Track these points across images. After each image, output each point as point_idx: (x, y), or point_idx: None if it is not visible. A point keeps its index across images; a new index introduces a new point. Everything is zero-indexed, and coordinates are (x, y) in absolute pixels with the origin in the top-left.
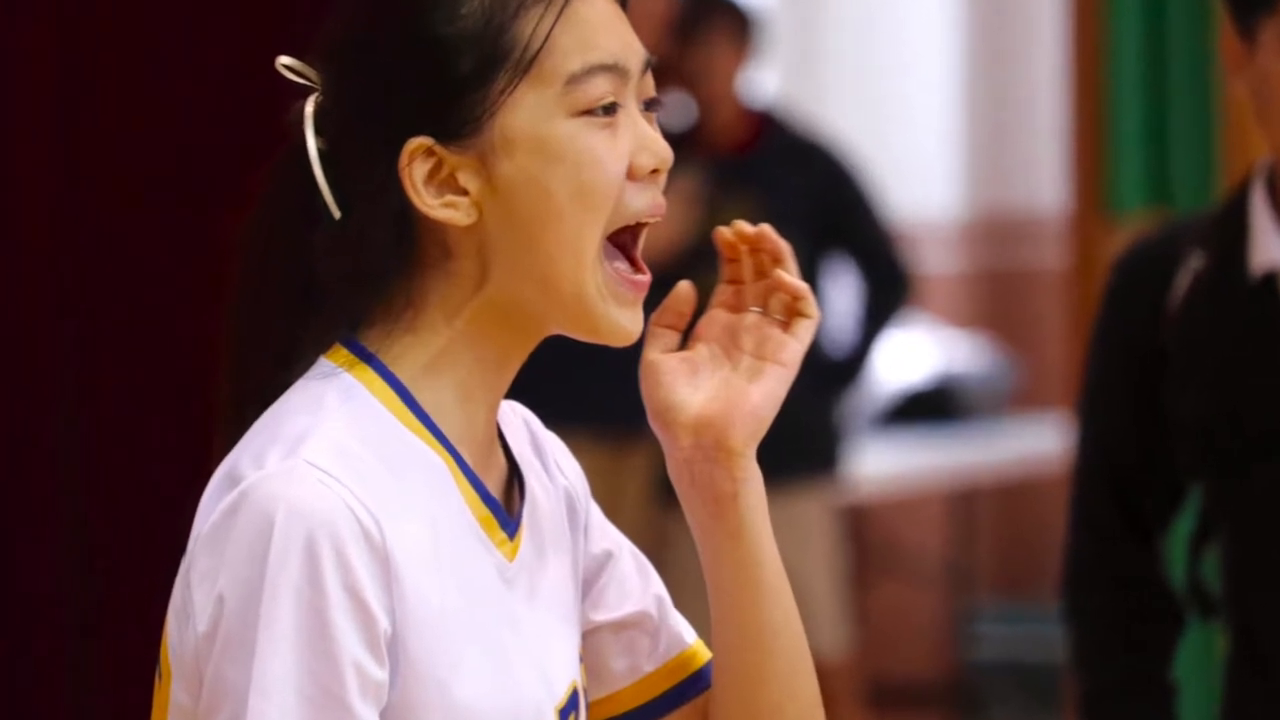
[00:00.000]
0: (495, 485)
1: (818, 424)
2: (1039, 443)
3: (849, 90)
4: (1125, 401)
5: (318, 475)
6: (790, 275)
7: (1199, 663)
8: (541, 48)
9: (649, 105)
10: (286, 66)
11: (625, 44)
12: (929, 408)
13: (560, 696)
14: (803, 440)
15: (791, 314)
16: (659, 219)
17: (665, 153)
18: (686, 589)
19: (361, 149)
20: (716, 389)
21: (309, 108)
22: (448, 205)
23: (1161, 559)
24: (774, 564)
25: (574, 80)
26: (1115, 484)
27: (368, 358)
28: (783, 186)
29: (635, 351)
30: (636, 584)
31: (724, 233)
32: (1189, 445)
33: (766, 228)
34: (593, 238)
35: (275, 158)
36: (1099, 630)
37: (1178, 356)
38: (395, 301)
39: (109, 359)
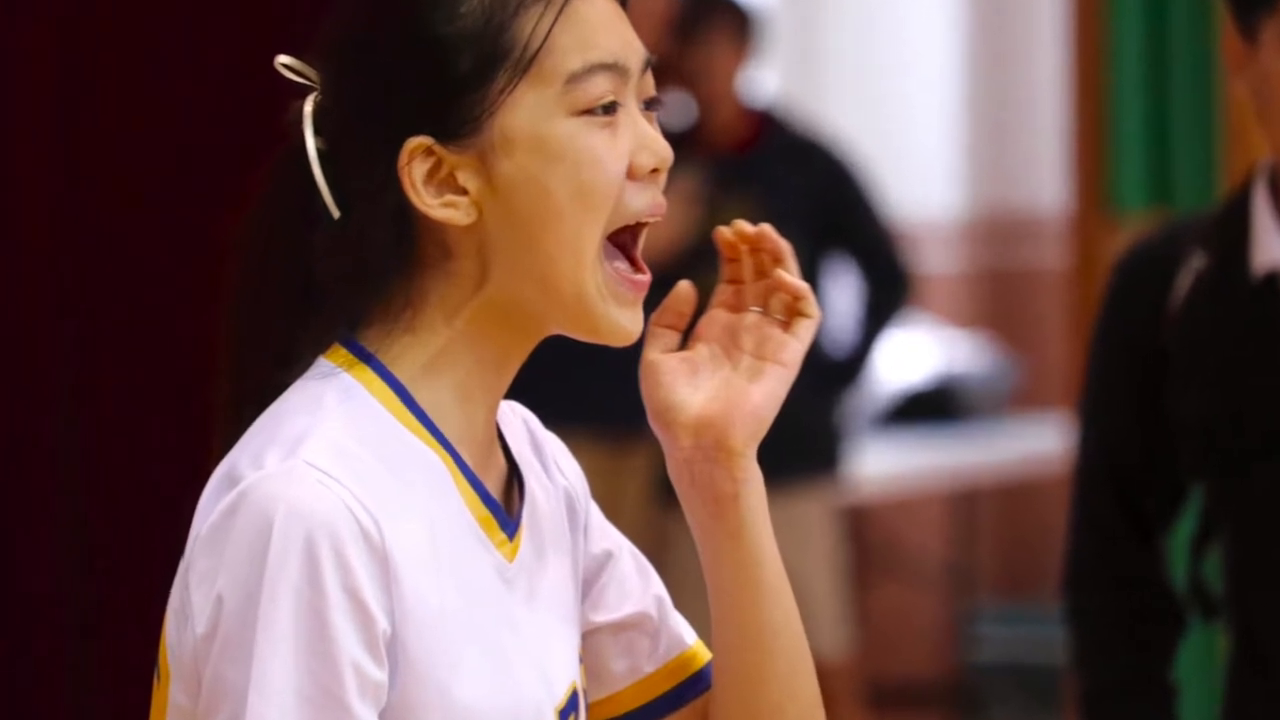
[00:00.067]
0: (495, 486)
1: (818, 424)
2: (1040, 443)
3: (849, 89)
4: (1127, 402)
5: (317, 476)
6: (791, 275)
7: (1200, 663)
8: (541, 47)
9: (649, 104)
10: (285, 66)
11: (625, 43)
12: (930, 408)
13: (560, 697)
14: (803, 440)
15: (792, 314)
16: (659, 219)
17: (665, 152)
18: (686, 589)
19: (361, 148)
20: (717, 389)
21: (308, 107)
22: (447, 205)
23: (1163, 559)
24: (774, 564)
25: (574, 79)
26: (1117, 484)
27: (367, 358)
28: (783, 186)
29: (635, 351)
30: (636, 585)
31: (724, 232)
32: (1190, 445)
33: (767, 227)
34: (592, 237)
35: (274, 158)
36: (1100, 630)
37: (1179, 356)
38: (394, 301)
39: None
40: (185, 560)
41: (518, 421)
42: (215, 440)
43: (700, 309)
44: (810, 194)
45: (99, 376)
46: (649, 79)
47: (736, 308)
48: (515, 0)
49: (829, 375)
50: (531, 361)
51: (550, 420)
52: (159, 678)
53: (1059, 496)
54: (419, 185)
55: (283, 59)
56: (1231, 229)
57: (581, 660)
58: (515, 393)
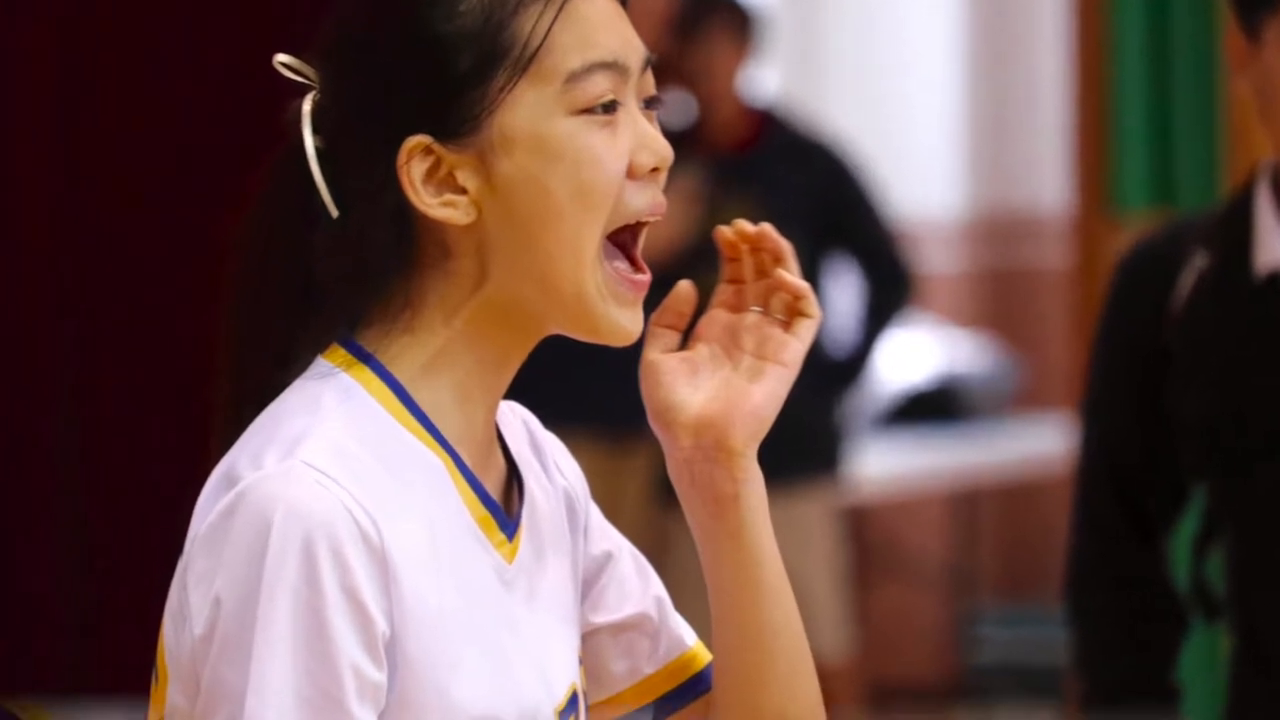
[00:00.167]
0: (494, 486)
1: (819, 424)
2: (1042, 443)
3: (850, 88)
4: (1129, 402)
5: (315, 476)
6: (791, 274)
7: (1203, 664)
8: (541, 45)
9: (649, 103)
10: (284, 65)
11: (625, 42)
12: (931, 408)
13: (560, 698)
14: (804, 441)
15: (793, 313)
16: (659, 218)
17: (665, 151)
18: (687, 590)
19: (360, 148)
20: (717, 389)
21: (307, 106)
22: (446, 204)
23: (1165, 559)
24: (775, 565)
25: (574, 78)
26: (1119, 484)
27: (366, 358)
28: (784, 185)
29: (635, 351)
30: (636, 585)
31: (724, 232)
32: (1193, 445)
33: (767, 227)
34: (592, 237)
35: (273, 157)
36: (1102, 630)
37: (1181, 356)
38: (394, 301)
39: (109, 359)
40: (183, 561)
41: (517, 422)
42: (214, 440)
43: (700, 309)
44: (811, 193)
45: (99, 376)
46: (649, 78)
47: (737, 307)
48: None
49: (830, 375)
50: (531, 361)
51: (550, 420)
52: (157, 678)
53: (1061, 497)
54: (418, 184)
55: (281, 58)
56: (1234, 228)
57: (581, 661)
58: (515, 393)
